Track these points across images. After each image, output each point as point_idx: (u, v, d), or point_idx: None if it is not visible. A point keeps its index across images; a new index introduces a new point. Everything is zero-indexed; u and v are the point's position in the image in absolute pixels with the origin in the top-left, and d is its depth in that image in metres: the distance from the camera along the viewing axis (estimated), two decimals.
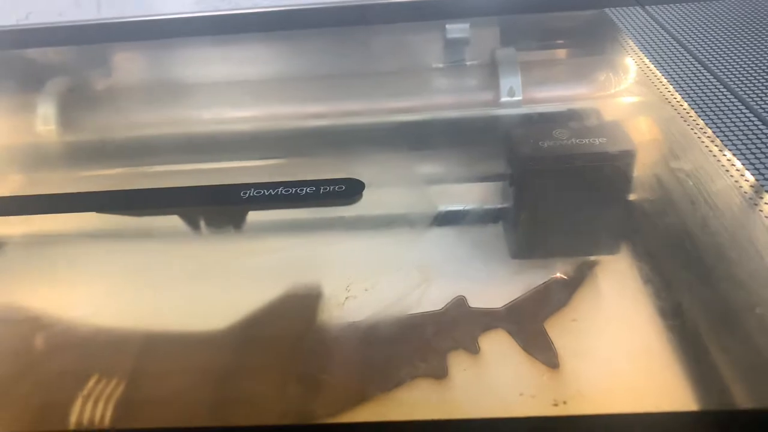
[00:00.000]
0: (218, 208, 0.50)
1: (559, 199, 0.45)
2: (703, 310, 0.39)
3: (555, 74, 0.57)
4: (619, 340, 0.38)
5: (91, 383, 0.37)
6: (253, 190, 0.49)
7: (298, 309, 0.42)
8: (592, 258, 0.44)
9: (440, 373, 0.36)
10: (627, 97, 0.56)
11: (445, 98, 0.58)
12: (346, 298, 0.42)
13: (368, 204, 0.48)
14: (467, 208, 0.49)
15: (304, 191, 0.48)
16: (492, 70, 0.57)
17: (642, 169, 0.46)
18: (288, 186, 0.49)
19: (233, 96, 0.59)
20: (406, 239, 0.47)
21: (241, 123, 0.58)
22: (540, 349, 0.38)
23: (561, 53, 0.64)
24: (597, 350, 0.37)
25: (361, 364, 0.38)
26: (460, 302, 0.41)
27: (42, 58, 0.67)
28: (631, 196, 0.46)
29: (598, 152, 0.44)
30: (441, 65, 0.61)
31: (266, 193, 0.49)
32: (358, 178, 0.49)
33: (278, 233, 0.50)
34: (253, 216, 0.49)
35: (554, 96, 0.56)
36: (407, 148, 0.56)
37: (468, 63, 0.61)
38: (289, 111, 0.58)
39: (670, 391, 0.35)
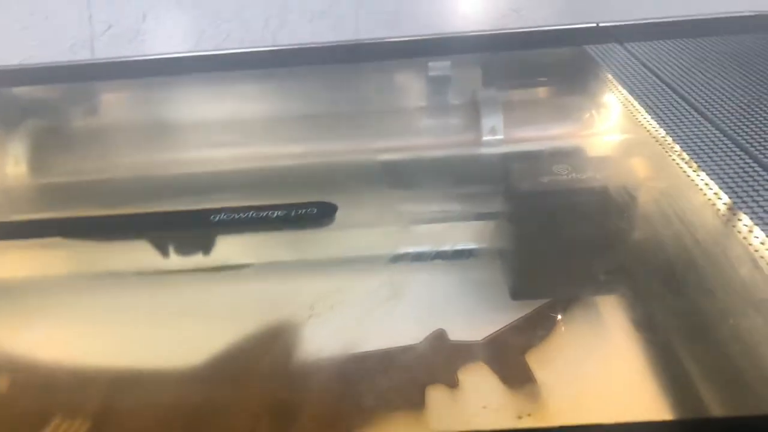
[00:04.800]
0: (187, 233, 0.47)
1: (563, 239, 0.44)
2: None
3: (537, 113, 0.57)
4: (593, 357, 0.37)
5: (54, 424, 0.35)
6: (223, 213, 0.47)
7: (271, 339, 0.40)
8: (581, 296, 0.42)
9: (418, 409, 0.35)
10: (611, 135, 0.55)
11: (427, 138, 0.57)
12: (310, 316, 0.40)
13: (340, 228, 0.46)
14: (442, 248, 0.47)
15: (275, 214, 0.46)
16: (474, 110, 0.56)
17: (630, 207, 0.45)
18: (259, 210, 0.47)
19: (212, 136, 0.58)
20: (379, 269, 0.45)
21: (219, 164, 0.57)
22: (521, 382, 0.36)
23: (543, 91, 0.64)
24: (579, 384, 0.36)
25: (337, 398, 0.36)
26: (439, 336, 0.40)
27: (24, 97, 0.66)
28: (617, 235, 0.45)
29: (582, 188, 0.43)
30: (423, 104, 0.61)
31: (236, 217, 0.46)
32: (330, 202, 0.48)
33: (249, 258, 0.47)
34: (224, 240, 0.46)
35: (536, 135, 0.55)
36: (387, 186, 0.54)
37: (450, 100, 0.60)
38: (268, 151, 0.57)
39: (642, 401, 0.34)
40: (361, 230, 0.48)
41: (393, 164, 0.55)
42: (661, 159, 0.49)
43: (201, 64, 0.61)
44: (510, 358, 0.38)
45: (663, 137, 0.51)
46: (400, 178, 0.54)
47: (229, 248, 0.47)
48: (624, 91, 0.58)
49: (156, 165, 0.56)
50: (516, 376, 0.36)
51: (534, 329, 0.40)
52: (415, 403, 0.35)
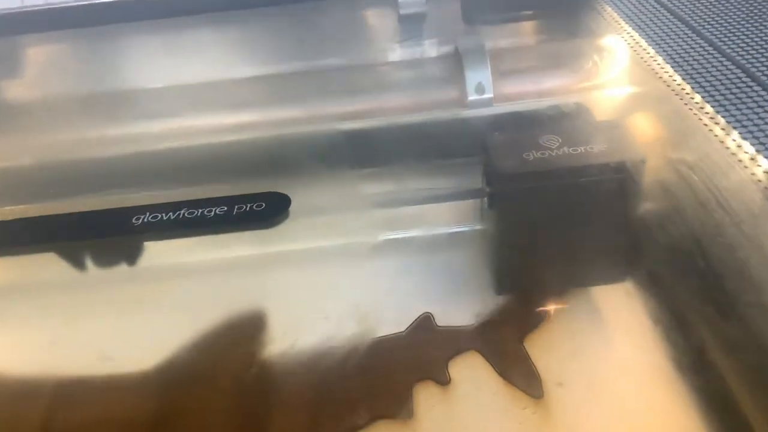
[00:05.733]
0: (103, 240, 0.38)
1: (549, 223, 0.37)
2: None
3: (531, 63, 0.47)
4: (616, 371, 0.33)
5: None
6: (148, 214, 0.37)
7: (222, 349, 0.35)
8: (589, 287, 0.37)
9: (405, 415, 0.31)
10: (620, 87, 0.46)
11: (399, 100, 0.47)
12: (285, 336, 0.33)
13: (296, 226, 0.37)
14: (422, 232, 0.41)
15: (212, 212, 0.37)
16: (455, 63, 0.46)
17: (647, 179, 0.37)
18: (192, 207, 0.37)
19: (132, 105, 0.48)
20: (343, 270, 0.38)
21: (139, 142, 0.46)
22: (521, 375, 0.33)
23: (534, 31, 0.53)
24: (588, 377, 0.32)
25: (310, 407, 0.32)
26: (426, 321, 0.36)
27: None
28: (636, 216, 0.38)
29: (589, 164, 0.36)
30: (394, 53, 0.51)
31: (165, 218, 0.37)
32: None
33: (182, 267, 0.38)
34: (150, 250, 0.37)
35: (531, 90, 0.46)
36: (350, 163, 0.45)
37: (426, 47, 0.50)
38: (201, 123, 0.47)
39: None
40: (321, 227, 0.39)
41: (358, 135, 0.45)
42: (684, 120, 0.40)
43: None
44: (507, 346, 0.34)
45: (685, 90, 0.42)
46: (367, 152, 0.44)
47: (156, 258, 0.38)
48: (631, 31, 0.48)
49: (58, 147, 0.45)
50: (515, 367, 0.33)
51: (530, 312, 0.36)
52: (400, 408, 0.31)
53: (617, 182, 0.36)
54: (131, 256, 0.37)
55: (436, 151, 0.45)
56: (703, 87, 0.38)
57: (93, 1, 0.52)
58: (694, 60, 0.41)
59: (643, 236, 0.38)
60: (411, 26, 0.54)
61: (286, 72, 0.50)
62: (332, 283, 0.38)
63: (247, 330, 0.36)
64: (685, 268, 0.36)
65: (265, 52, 0.52)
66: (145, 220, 0.37)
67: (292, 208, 0.38)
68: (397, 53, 0.53)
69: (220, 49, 0.54)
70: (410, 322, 0.36)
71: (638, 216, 0.38)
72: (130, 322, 0.36)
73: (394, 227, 0.42)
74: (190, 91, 0.49)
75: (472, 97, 0.45)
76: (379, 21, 0.56)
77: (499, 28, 0.54)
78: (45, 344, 0.36)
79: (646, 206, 0.39)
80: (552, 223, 0.37)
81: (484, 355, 0.34)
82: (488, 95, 0.45)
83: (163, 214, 0.37)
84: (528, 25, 0.54)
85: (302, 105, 0.47)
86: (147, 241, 0.37)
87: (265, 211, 0.37)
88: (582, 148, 0.37)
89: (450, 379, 0.33)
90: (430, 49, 0.52)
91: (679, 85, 0.43)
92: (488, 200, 0.38)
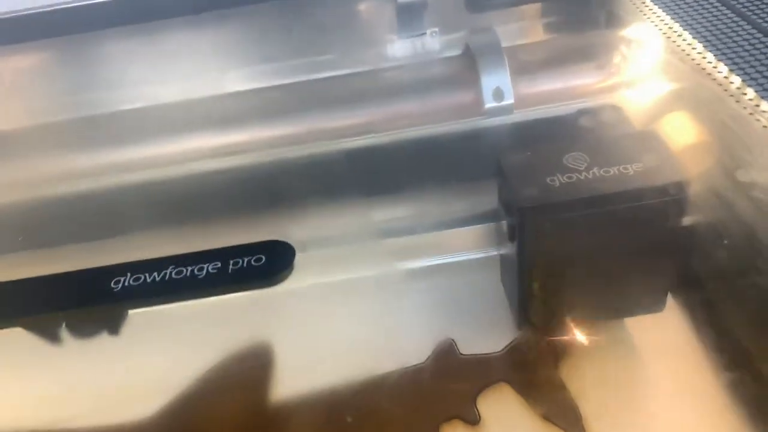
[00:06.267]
0: (78, 310, 0.32)
1: (582, 259, 0.33)
2: None
3: (552, 60, 0.41)
4: (664, 405, 0.30)
5: None
6: (129, 276, 0.32)
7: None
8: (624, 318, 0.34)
9: None
10: (656, 86, 0.40)
11: (407, 109, 0.41)
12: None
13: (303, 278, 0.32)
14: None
15: (204, 271, 0.31)
16: (468, 65, 0.41)
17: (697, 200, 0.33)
18: (180, 264, 0.32)
19: (102, 129, 0.42)
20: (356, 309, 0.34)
21: (111, 174, 0.40)
22: (559, 410, 0.30)
23: (548, 20, 0.47)
24: (632, 411, 0.30)
25: None
26: (448, 349, 0.33)
27: None
28: (683, 247, 0.33)
29: (623, 190, 0.31)
30: (395, 51, 0.44)
31: (149, 280, 0.32)
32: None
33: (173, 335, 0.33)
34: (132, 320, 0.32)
35: (555, 92, 0.40)
36: (356, 188, 0.39)
37: (431, 44, 0.44)
38: (181, 148, 0.41)
39: None
40: (331, 275, 0.34)
41: (363, 154, 0.39)
42: (739, 123, 0.35)
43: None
44: (540, 376, 0.31)
45: (735, 85, 0.37)
46: (373, 175, 0.39)
47: (142, 326, 0.32)
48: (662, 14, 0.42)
49: (13, 184, 0.40)
50: (552, 401, 0.30)
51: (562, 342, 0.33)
52: None
53: (659, 209, 0.31)
54: (112, 324, 0.32)
55: (450, 167, 0.40)
56: (757, 81, 0.33)
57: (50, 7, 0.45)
58: (739, 47, 0.35)
59: (687, 270, 0.34)
60: (411, 17, 0.48)
61: (277, 79, 0.44)
62: (343, 324, 0.34)
63: (251, 379, 0.32)
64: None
65: (254, 49, 0.46)
66: (126, 283, 0.31)
67: (297, 259, 0.32)
68: (397, 50, 0.47)
69: (201, 51, 0.48)
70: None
71: (685, 247, 0.33)
72: (120, 373, 0.32)
73: (410, 257, 0.37)
74: (168, 109, 0.43)
75: (490, 104, 0.40)
76: (375, 12, 0.49)
77: (510, 15, 0.48)
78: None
79: (697, 236, 0.34)
80: (580, 255, 0.33)
81: (515, 388, 0.31)
82: (508, 101, 0.40)
83: (147, 275, 0.32)
84: (541, 12, 0.48)
85: (298, 120, 0.41)
86: (130, 309, 0.32)
87: (265, 266, 0.32)
88: (615, 169, 0.31)
89: (480, 418, 0.29)
90: (435, 43, 0.46)
91: (727, 78, 0.37)
92: (508, 231, 0.33)
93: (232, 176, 0.40)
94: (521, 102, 0.40)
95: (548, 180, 0.31)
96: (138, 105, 0.43)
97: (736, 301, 0.33)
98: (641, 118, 0.39)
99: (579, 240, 0.32)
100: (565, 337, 0.34)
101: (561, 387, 0.31)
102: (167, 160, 0.41)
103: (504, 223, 0.35)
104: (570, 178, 0.31)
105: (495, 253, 0.38)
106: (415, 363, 0.32)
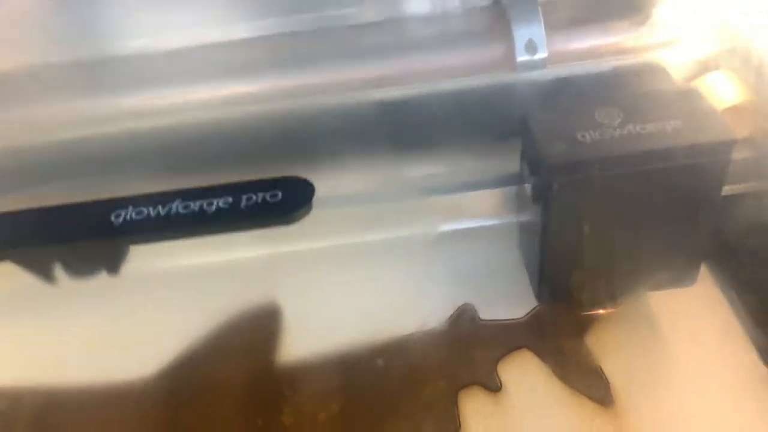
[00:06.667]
0: (74, 245, 0.30)
1: (610, 222, 0.31)
2: None
3: (591, 13, 0.39)
4: (693, 374, 0.29)
5: None
6: (131, 209, 0.30)
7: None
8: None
9: (450, 430, 0.27)
10: (701, 43, 0.38)
11: (435, 61, 0.39)
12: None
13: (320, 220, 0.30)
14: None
15: (214, 205, 0.29)
16: (497, 16, 0.39)
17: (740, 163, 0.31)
18: (187, 198, 0.30)
19: (113, 73, 0.39)
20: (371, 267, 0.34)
21: (122, 115, 0.38)
22: (585, 377, 0.29)
23: None
24: (663, 380, 0.29)
25: (337, 420, 0.28)
26: (468, 313, 0.32)
27: None
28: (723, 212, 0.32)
29: (659, 147, 0.29)
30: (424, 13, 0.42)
31: (152, 214, 0.29)
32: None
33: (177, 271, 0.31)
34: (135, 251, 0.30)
35: (593, 47, 0.38)
36: (378, 142, 0.37)
37: None
38: (199, 95, 0.38)
39: None
40: (352, 221, 0.32)
41: (387, 107, 0.37)
42: None
43: None
44: (565, 343, 0.30)
45: None
46: (398, 128, 0.37)
47: (144, 263, 0.30)
48: None
49: (19, 125, 0.37)
50: (577, 368, 0.29)
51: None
52: (445, 422, 0.27)
53: (698, 170, 0.29)
54: (111, 261, 0.30)
55: (478, 125, 0.38)
56: None
57: None
58: None
59: (725, 237, 0.33)
60: None
61: (296, 28, 0.42)
62: (358, 280, 0.33)
63: (263, 334, 0.31)
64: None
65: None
66: (127, 217, 0.29)
67: (317, 197, 0.30)
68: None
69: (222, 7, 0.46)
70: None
71: (726, 213, 0.32)
72: (122, 331, 0.31)
73: (431, 217, 0.36)
74: (183, 54, 0.41)
75: (522, 57, 0.38)
76: None
77: None
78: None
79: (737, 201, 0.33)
80: (609, 218, 0.31)
81: (538, 354, 0.30)
82: (541, 55, 0.38)
83: (150, 208, 0.29)
84: None
85: (320, 69, 0.39)
86: (130, 243, 0.30)
87: (282, 203, 0.29)
88: (651, 126, 0.30)
89: (501, 385, 0.29)
90: None
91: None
92: (533, 192, 0.31)
93: (248, 125, 0.38)
94: (555, 56, 0.38)
95: (578, 136, 0.30)
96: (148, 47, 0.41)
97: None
98: (682, 76, 0.37)
99: (609, 201, 0.31)
100: (591, 306, 0.33)
101: (587, 355, 0.30)
102: (182, 105, 0.39)
103: (526, 186, 0.33)
104: (602, 134, 0.30)
105: (515, 220, 0.36)
106: (433, 327, 0.31)
